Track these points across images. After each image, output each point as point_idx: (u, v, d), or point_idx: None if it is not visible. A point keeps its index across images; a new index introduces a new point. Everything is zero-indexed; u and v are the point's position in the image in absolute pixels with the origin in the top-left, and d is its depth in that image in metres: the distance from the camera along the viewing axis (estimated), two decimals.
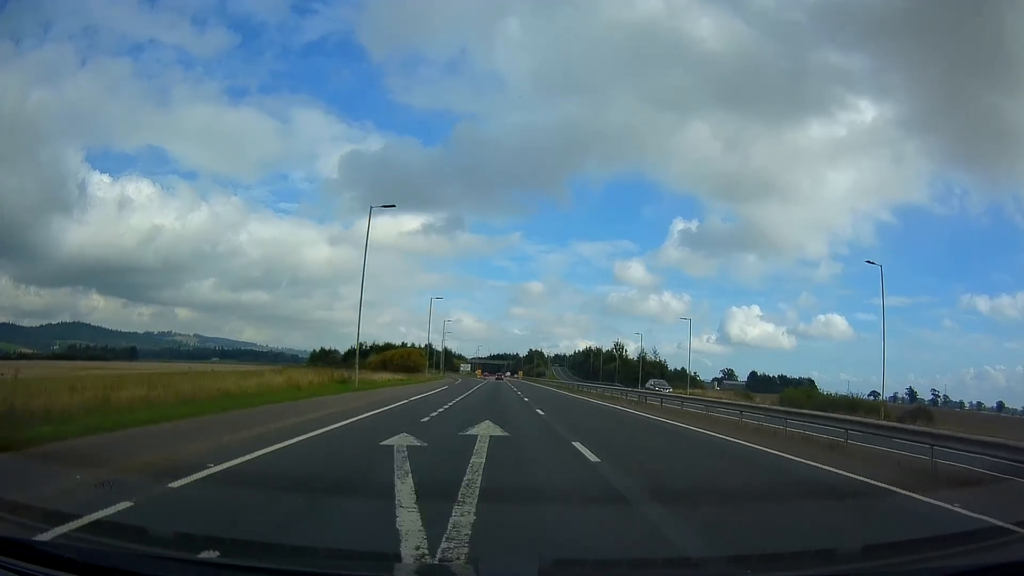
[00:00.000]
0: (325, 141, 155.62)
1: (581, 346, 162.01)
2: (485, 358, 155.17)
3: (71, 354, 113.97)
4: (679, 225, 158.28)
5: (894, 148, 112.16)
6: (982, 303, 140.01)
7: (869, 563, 4.64)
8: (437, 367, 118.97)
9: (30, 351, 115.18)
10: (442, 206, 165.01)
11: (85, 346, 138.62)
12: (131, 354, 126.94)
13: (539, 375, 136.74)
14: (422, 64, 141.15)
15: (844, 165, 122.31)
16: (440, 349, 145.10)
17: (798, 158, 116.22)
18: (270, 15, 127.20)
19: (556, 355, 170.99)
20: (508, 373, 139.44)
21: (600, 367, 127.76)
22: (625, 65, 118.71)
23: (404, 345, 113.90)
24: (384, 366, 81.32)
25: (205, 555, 3.70)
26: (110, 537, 4.54)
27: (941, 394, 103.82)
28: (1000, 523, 6.52)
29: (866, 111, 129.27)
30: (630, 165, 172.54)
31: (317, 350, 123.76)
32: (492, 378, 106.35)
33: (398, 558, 4.70)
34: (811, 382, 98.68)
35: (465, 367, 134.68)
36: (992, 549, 5.33)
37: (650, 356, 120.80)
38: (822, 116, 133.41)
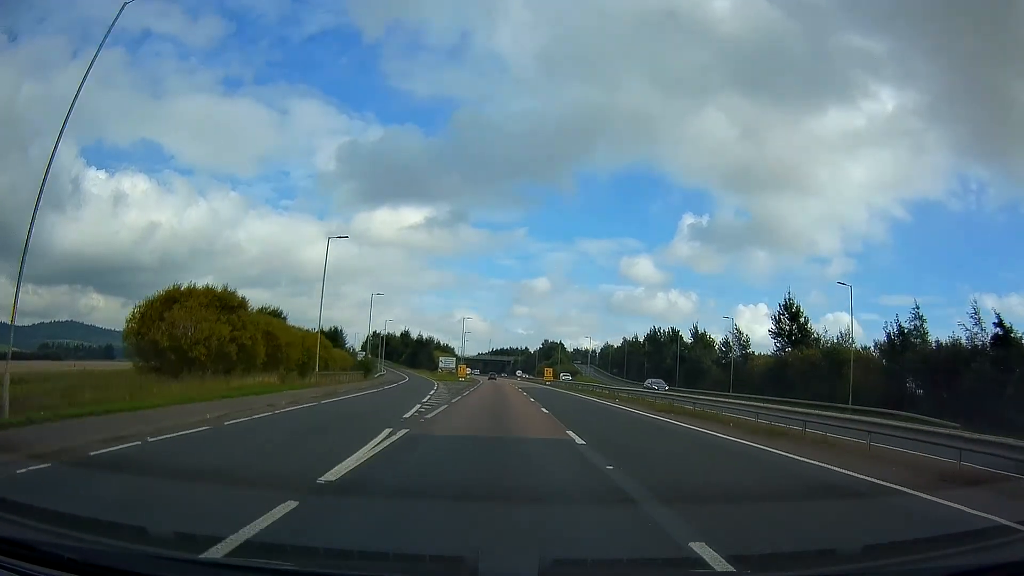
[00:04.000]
0: (324, 132, 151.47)
1: (585, 345, 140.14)
2: (486, 354, 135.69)
3: (43, 354, 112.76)
4: (688, 220, 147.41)
5: (914, 139, 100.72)
6: (989, 301, 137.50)
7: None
8: (413, 360, 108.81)
9: (16, 350, 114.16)
10: (444, 198, 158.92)
11: (58, 344, 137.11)
12: (108, 353, 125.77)
13: (567, 375, 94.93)
14: (422, 47, 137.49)
15: (862, 156, 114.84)
16: (452, 347, 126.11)
17: (815, 148, 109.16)
18: (265, 2, 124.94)
19: (575, 350, 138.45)
20: (520, 373, 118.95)
21: (710, 366, 76.92)
22: (635, 48, 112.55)
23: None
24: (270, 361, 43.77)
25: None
26: None
27: None
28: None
29: (887, 100, 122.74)
30: (639, 155, 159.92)
31: None
32: (485, 380, 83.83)
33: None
34: None
35: (448, 363, 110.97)
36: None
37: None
38: (842, 104, 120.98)
